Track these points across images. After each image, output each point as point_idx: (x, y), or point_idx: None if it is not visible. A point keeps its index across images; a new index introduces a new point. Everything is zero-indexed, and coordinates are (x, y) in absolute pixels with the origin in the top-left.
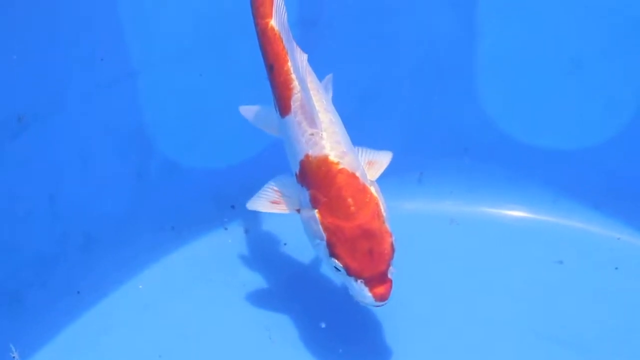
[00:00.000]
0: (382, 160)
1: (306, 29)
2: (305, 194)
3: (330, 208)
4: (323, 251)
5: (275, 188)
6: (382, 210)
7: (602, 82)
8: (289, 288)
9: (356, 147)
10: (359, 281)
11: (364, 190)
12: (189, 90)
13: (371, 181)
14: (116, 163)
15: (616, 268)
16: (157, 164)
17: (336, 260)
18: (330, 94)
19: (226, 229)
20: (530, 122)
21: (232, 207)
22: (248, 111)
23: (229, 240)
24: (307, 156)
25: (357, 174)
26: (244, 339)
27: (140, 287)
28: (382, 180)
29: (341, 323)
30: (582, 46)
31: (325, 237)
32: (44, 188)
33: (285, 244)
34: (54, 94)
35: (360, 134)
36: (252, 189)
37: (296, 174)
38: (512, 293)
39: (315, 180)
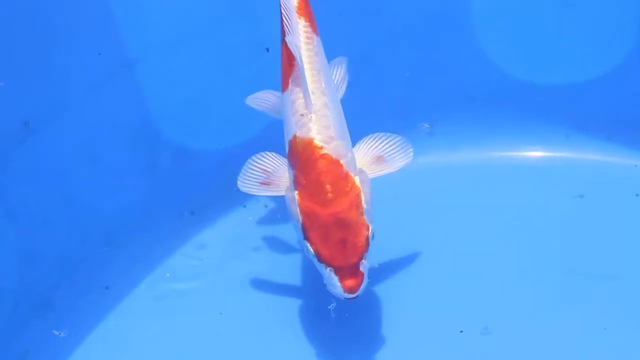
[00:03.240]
0: (394, 163)
1: None
2: (290, 174)
3: (309, 192)
4: (299, 233)
5: (262, 167)
6: (363, 201)
7: (598, 14)
8: None
9: (380, 134)
10: (328, 269)
11: (345, 178)
12: (190, 73)
13: (360, 170)
14: (126, 156)
15: (637, 195)
16: (167, 151)
17: (309, 245)
18: (343, 77)
19: (245, 206)
20: (533, 61)
21: None
22: (254, 100)
23: (250, 217)
24: (295, 137)
25: (342, 162)
26: (283, 313)
27: (168, 275)
28: None
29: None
30: None
31: (300, 220)
32: (58, 190)
33: None
34: (56, 95)
35: (366, 96)
36: None
37: (287, 153)
38: (538, 232)
39: (299, 162)
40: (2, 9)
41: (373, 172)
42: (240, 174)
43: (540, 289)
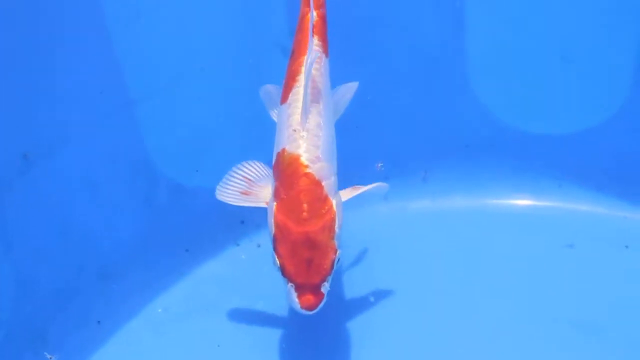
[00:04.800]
0: (368, 187)
1: None
2: (273, 184)
3: (286, 207)
4: (271, 243)
5: (245, 175)
6: (336, 226)
7: (594, 67)
8: None
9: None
10: (289, 284)
11: (324, 200)
12: (189, 113)
13: (337, 194)
14: (124, 192)
15: (626, 246)
16: (164, 188)
17: (276, 257)
18: (345, 101)
19: (238, 245)
20: (527, 111)
21: (242, 222)
22: (265, 92)
23: (242, 255)
24: (283, 150)
25: (323, 183)
26: (275, 350)
27: (160, 310)
28: (388, 183)
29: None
30: (570, 34)
31: (273, 232)
32: (55, 223)
33: None
34: (57, 129)
35: (362, 139)
36: None
37: (273, 164)
38: (527, 279)
39: (283, 176)
40: (8, 42)
41: (347, 195)
42: (221, 183)
43: (526, 337)
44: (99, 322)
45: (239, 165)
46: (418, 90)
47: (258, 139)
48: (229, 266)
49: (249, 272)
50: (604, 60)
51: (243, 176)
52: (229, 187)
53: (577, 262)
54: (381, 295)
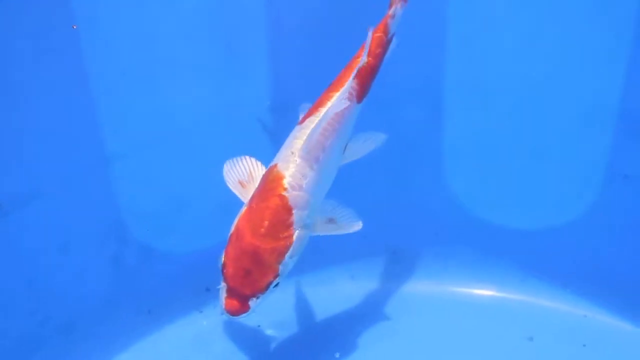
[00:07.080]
0: (346, 227)
1: (278, 116)
2: (254, 189)
3: (250, 215)
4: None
5: (250, 169)
6: (288, 255)
7: (567, 167)
8: None
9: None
10: (223, 284)
11: (287, 227)
12: (163, 175)
13: (305, 227)
14: (93, 248)
15: (584, 345)
16: (133, 249)
17: (223, 253)
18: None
19: (201, 311)
20: (497, 204)
21: (207, 289)
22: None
23: (204, 322)
24: (275, 165)
25: (294, 212)
26: None
27: None
28: (355, 263)
29: None
30: (542, 131)
31: (231, 232)
32: (22, 275)
33: (259, 326)
34: (31, 182)
35: None
36: None
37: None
38: None
39: (262, 187)
40: None
41: (321, 231)
42: (233, 161)
43: None
44: None
45: (251, 159)
46: (390, 175)
47: (231, 205)
48: (189, 331)
49: (210, 339)
50: (575, 162)
51: (248, 168)
52: (236, 170)
53: (535, 356)
54: None
